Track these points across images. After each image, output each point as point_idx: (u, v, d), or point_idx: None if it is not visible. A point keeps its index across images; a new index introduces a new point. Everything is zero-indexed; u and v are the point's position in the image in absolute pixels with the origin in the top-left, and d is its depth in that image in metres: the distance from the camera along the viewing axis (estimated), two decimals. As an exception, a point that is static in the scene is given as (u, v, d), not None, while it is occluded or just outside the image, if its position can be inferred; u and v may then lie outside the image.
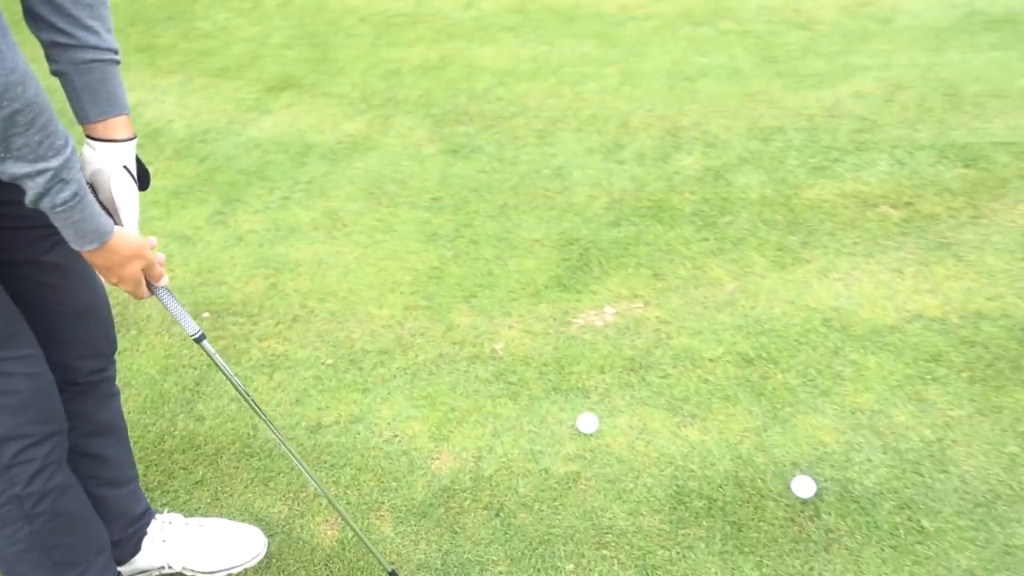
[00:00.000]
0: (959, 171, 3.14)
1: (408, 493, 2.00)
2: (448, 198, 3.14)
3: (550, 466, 2.05)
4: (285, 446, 1.67)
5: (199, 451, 2.14)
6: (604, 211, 3.03)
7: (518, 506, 1.95)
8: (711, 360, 2.35)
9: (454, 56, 4.25)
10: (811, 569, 1.77)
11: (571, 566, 1.81)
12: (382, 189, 3.21)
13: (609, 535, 1.87)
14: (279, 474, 2.07)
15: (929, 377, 2.25)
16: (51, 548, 1.48)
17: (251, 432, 2.19)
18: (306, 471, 1.69)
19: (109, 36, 1.27)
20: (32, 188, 1.08)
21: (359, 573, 1.81)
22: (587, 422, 2.16)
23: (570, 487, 1.99)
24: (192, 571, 1.82)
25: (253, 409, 1.60)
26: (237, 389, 1.57)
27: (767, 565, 1.79)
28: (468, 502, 1.97)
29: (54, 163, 1.08)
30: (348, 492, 2.01)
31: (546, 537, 1.87)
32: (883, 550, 1.81)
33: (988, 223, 2.85)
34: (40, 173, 1.07)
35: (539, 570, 1.80)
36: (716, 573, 1.78)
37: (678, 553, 1.83)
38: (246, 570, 1.84)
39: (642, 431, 2.14)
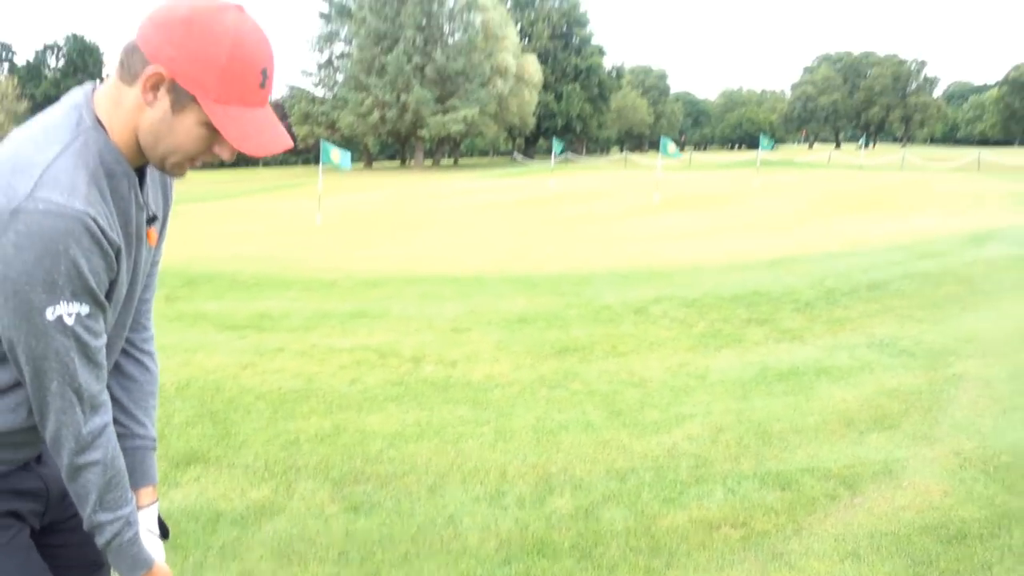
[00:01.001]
0: (778, 494, 3.83)
1: None
2: (354, 552, 3.46)
3: None
4: None
5: None
6: (495, 552, 3.45)
7: None
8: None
9: (346, 424, 4.80)
10: None
11: None
12: (291, 548, 3.50)
13: None
14: None
15: (784, 668, 2.67)
16: None
17: None
18: None
19: (153, 428, 1.73)
20: (110, 531, 1.44)
21: None
22: None
23: None
24: None
25: None
26: None
27: None
28: None
29: (127, 510, 1.47)
30: None
31: None
32: None
33: (807, 534, 3.48)
34: (118, 519, 1.46)
35: None
36: None
37: None
38: None
39: None
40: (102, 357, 1.40)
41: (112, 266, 1.37)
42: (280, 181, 27.46)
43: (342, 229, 15.40)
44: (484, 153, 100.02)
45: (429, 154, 68.50)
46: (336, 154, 17.43)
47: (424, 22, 59.96)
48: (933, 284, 7.99)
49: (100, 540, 1.47)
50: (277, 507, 3.87)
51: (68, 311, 1.29)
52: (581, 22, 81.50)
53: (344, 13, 62.64)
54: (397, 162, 74.84)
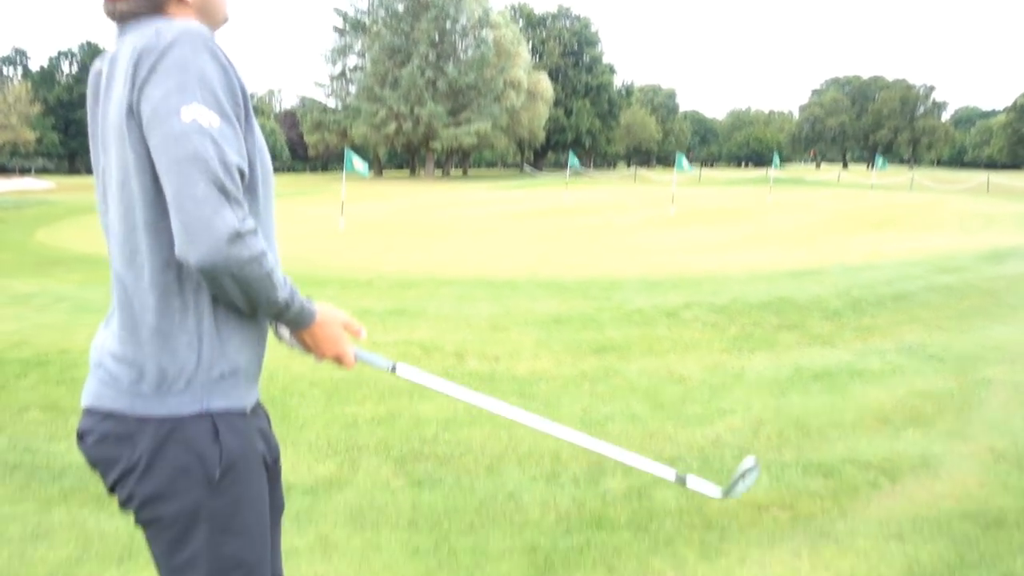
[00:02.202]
0: (821, 481, 4.02)
1: None
2: (422, 521, 3.66)
3: None
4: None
5: None
6: (555, 524, 3.64)
7: None
8: (671, 632, 2.87)
9: (400, 410, 5.00)
10: None
11: None
12: (363, 516, 3.70)
13: None
14: None
15: (841, 631, 2.85)
16: None
17: None
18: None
19: None
20: (286, 300, 1.55)
21: None
22: None
23: None
24: None
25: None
26: (452, 395, 1.93)
27: None
28: None
29: (290, 284, 1.57)
30: None
31: None
32: None
33: (852, 517, 3.66)
34: (288, 283, 1.55)
35: None
36: None
37: None
38: None
39: None
40: (238, 183, 1.45)
41: (238, 98, 1.52)
42: (294, 188, 27.80)
43: (366, 234, 15.65)
44: (492, 164, 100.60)
45: (439, 164, 68.98)
46: (358, 162, 17.84)
47: (437, 38, 60.62)
48: (957, 297, 8.18)
49: (290, 312, 1.57)
50: (344, 481, 4.07)
51: (202, 114, 1.43)
52: (592, 41, 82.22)
53: (358, 27, 63.33)
54: (406, 171, 75.27)
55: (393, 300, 8.35)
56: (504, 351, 6.34)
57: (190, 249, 1.40)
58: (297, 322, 1.66)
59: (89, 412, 1.58)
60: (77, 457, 4.34)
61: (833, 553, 3.35)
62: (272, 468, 1.85)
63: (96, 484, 4.05)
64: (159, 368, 1.52)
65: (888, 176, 36.77)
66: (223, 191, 1.41)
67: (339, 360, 1.78)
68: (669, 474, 2.11)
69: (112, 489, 1.61)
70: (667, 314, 7.48)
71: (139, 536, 3.53)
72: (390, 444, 4.50)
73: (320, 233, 15.46)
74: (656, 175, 37.28)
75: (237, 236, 1.41)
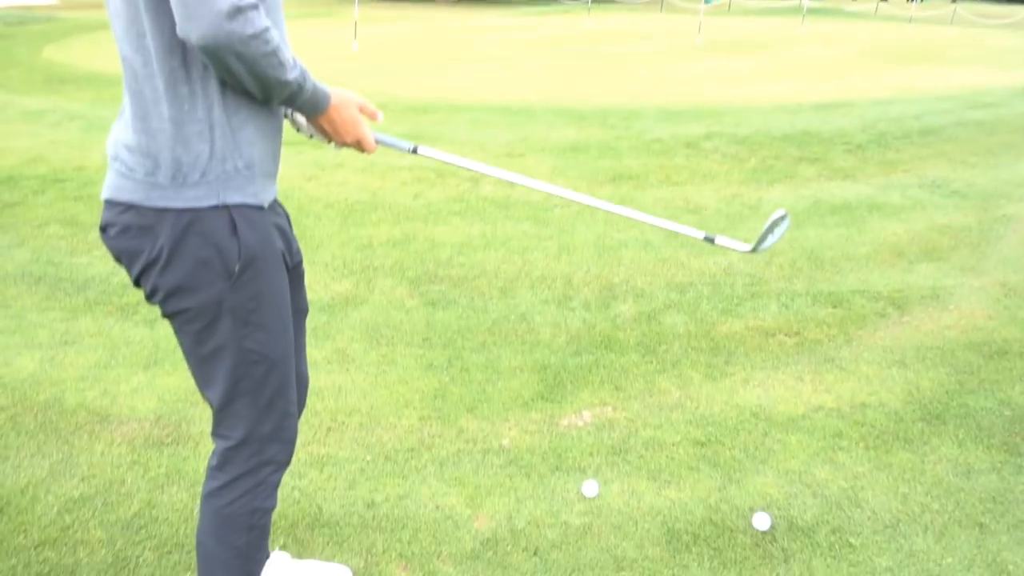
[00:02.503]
0: (830, 310, 4.07)
1: (459, 544, 2.48)
2: (436, 338, 3.76)
3: (568, 520, 2.59)
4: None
5: (275, 526, 2.55)
6: (566, 344, 3.74)
7: (549, 547, 2.47)
8: (673, 444, 3.00)
9: (415, 233, 5.02)
10: (778, 574, 2.37)
11: (600, 584, 2.33)
12: (379, 333, 3.81)
13: (624, 562, 2.41)
14: (349, 537, 2.50)
15: (836, 447, 2.97)
16: (249, 559, 1.88)
17: (317, 509, 2.62)
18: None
19: None
20: (297, 82, 1.52)
21: (436, 600, 2.26)
22: (590, 488, 2.73)
23: (586, 533, 2.53)
24: None
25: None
26: (475, 170, 1.98)
27: (745, 574, 2.37)
28: (509, 547, 2.47)
29: (300, 65, 1.54)
30: (411, 546, 2.46)
31: (576, 566, 2.39)
32: (825, 560, 2.43)
33: (857, 345, 3.73)
34: (299, 65, 1.52)
35: (577, 588, 2.31)
36: (710, 581, 2.34)
37: (678, 570, 2.38)
38: (342, 604, 2.25)
39: (632, 493, 2.72)
40: None
41: None
42: (304, 9, 26.72)
43: (380, 57, 15.16)
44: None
45: (454, -13, 65.71)
46: (371, -20, 16.97)
47: None
48: (987, 132, 7.94)
49: (303, 95, 1.56)
50: (360, 299, 4.16)
51: None
52: None
53: None
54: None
55: (408, 124, 8.20)
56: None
57: (190, 26, 1.35)
58: (312, 106, 1.63)
59: (109, 204, 1.58)
60: (99, 270, 4.45)
61: (836, 377, 3.45)
62: (293, 270, 1.87)
63: (120, 295, 4.17)
64: (173, 159, 1.51)
65: (929, 9, 34.75)
66: None
67: (360, 145, 1.77)
68: (698, 234, 2.16)
69: (137, 282, 1.64)
70: (687, 144, 7.33)
71: (163, 344, 3.67)
72: (405, 266, 4.56)
73: (332, 56, 14.97)
74: (684, 2, 35.47)
75: (237, 11, 1.35)
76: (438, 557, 2.42)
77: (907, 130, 8.01)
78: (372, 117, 1.81)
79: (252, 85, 1.48)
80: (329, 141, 1.78)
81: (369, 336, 3.78)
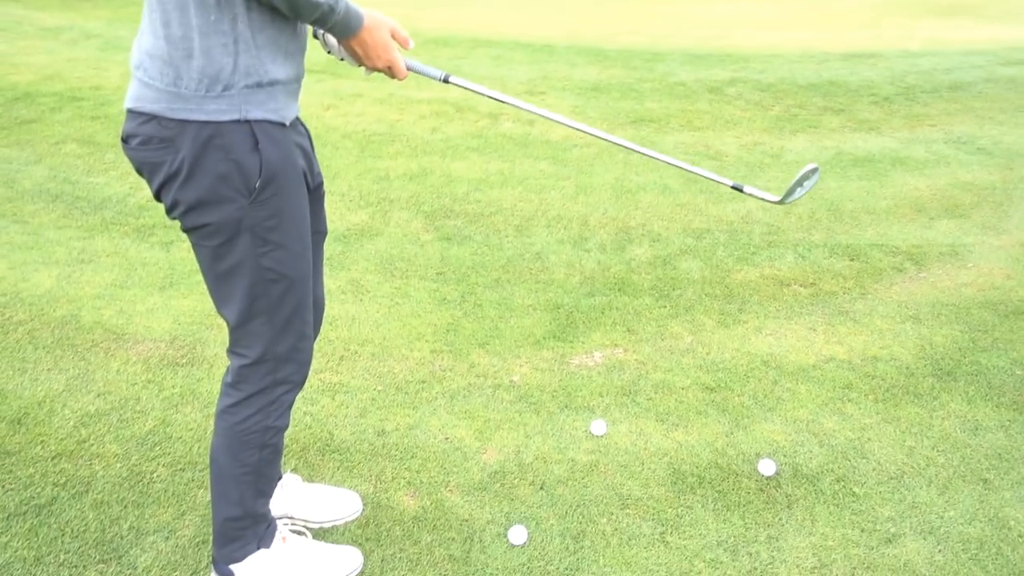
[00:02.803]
0: (846, 263, 4.04)
1: (467, 475, 2.52)
2: (450, 273, 3.77)
3: (575, 456, 2.62)
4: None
5: (288, 450, 2.59)
6: (579, 285, 3.73)
7: (556, 482, 2.50)
8: (683, 388, 3.02)
9: (432, 168, 4.99)
10: (780, 520, 2.39)
11: (604, 520, 2.37)
12: (393, 265, 3.81)
13: (629, 500, 2.45)
14: (359, 463, 2.54)
15: (845, 399, 2.98)
16: (262, 475, 1.92)
17: (328, 435, 2.66)
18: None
19: None
20: (328, 3, 1.51)
21: (440, 527, 2.30)
22: (598, 427, 2.76)
23: (593, 470, 2.57)
24: (306, 521, 2.27)
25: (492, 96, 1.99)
26: (504, 101, 1.99)
27: (748, 517, 2.40)
28: (516, 480, 2.51)
29: None
30: (419, 474, 2.50)
31: (581, 501, 2.43)
32: (828, 507, 2.45)
33: (872, 298, 3.71)
34: None
35: (580, 523, 2.35)
36: (712, 522, 2.37)
37: (683, 510, 2.42)
38: (347, 523, 2.30)
39: (640, 434, 2.75)
40: None
41: None
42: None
43: (399, -12, 14.84)
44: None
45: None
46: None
47: None
48: (1017, 89, 7.74)
49: (335, 15, 1.54)
50: (375, 230, 4.15)
51: None
52: None
53: None
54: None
55: (427, 58, 8.06)
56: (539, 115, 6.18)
57: None
58: (344, 28, 1.60)
59: (131, 114, 1.57)
60: (116, 190, 4.45)
61: (849, 329, 3.44)
62: (315, 191, 1.86)
63: (136, 217, 4.17)
64: (196, 69, 1.49)
65: (967, -43, 33.74)
66: None
67: (391, 70, 1.74)
68: (726, 182, 2.16)
69: (158, 196, 1.64)
70: (710, 89, 7.19)
71: (179, 267, 3.68)
72: (421, 199, 4.54)
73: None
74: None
75: None
76: (446, 487, 2.46)
77: (936, 84, 7.82)
78: (404, 44, 1.77)
79: (282, 3, 1.45)
80: (359, 65, 1.75)
81: (384, 268, 3.78)
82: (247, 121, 1.54)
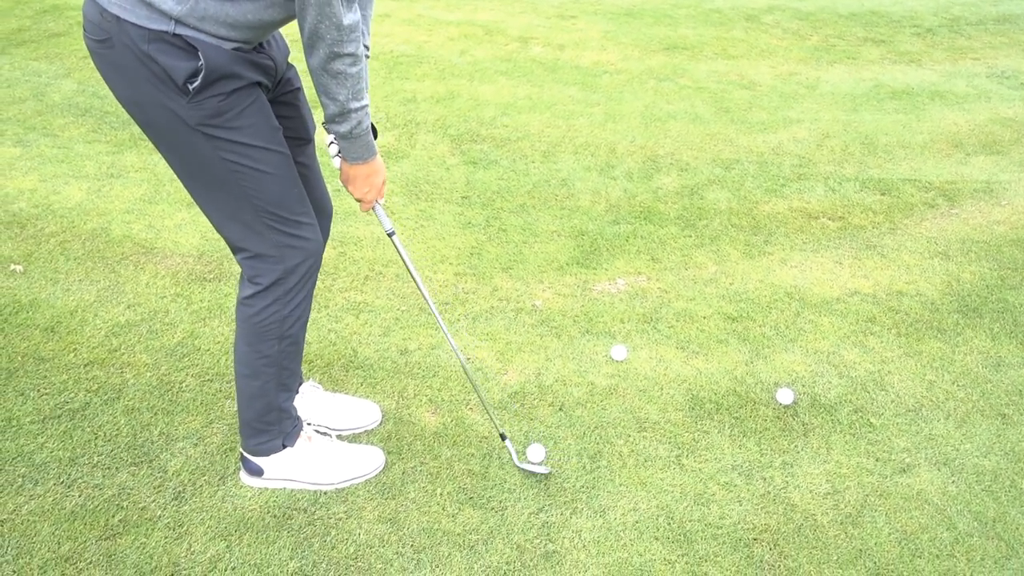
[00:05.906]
0: (877, 197, 3.97)
1: (487, 394, 2.56)
2: (475, 197, 3.76)
3: (594, 380, 2.65)
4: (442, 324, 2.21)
5: (312, 364, 2.64)
6: (605, 213, 3.71)
7: (575, 404, 2.54)
8: (704, 317, 3.02)
9: (459, 91, 4.93)
10: (796, 447, 2.42)
11: (621, 442, 2.41)
12: (419, 188, 3.81)
13: (647, 423, 2.48)
14: (382, 380, 2.59)
15: (868, 332, 2.97)
16: (283, 368, 1.96)
17: (352, 352, 2.71)
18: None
19: (369, 38, 1.92)
20: (355, 118, 1.65)
21: (460, 443, 2.36)
22: (619, 352, 2.78)
23: (612, 394, 2.60)
24: (327, 428, 2.33)
25: (417, 287, 2.13)
26: (414, 279, 2.10)
27: (764, 443, 2.43)
28: (536, 401, 2.55)
29: (368, 101, 1.67)
30: (440, 392, 2.55)
31: (599, 423, 2.47)
32: (844, 436, 2.48)
33: (902, 233, 3.66)
34: (363, 107, 1.65)
35: (597, 444, 2.39)
36: (727, 447, 2.41)
37: (699, 435, 2.45)
38: (368, 432, 2.36)
39: (659, 361, 2.77)
40: None
41: None
42: None
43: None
44: None
45: None
46: None
47: None
48: (1068, 24, 7.45)
49: (344, 128, 1.68)
50: (401, 153, 4.14)
51: None
52: None
53: None
54: None
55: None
56: (570, 40, 6.06)
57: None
58: (348, 146, 1.74)
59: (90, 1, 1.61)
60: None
61: (875, 264, 3.41)
62: (289, 96, 1.89)
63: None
64: None
65: None
66: None
67: (359, 200, 1.90)
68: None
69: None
70: (747, 16, 6.98)
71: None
72: (448, 123, 4.50)
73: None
74: None
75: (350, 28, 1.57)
76: (466, 405, 2.51)
77: (982, 16, 7.53)
78: (379, 195, 1.93)
79: (324, 80, 1.61)
80: (341, 177, 1.88)
81: (409, 190, 3.78)
82: (185, 36, 1.56)
